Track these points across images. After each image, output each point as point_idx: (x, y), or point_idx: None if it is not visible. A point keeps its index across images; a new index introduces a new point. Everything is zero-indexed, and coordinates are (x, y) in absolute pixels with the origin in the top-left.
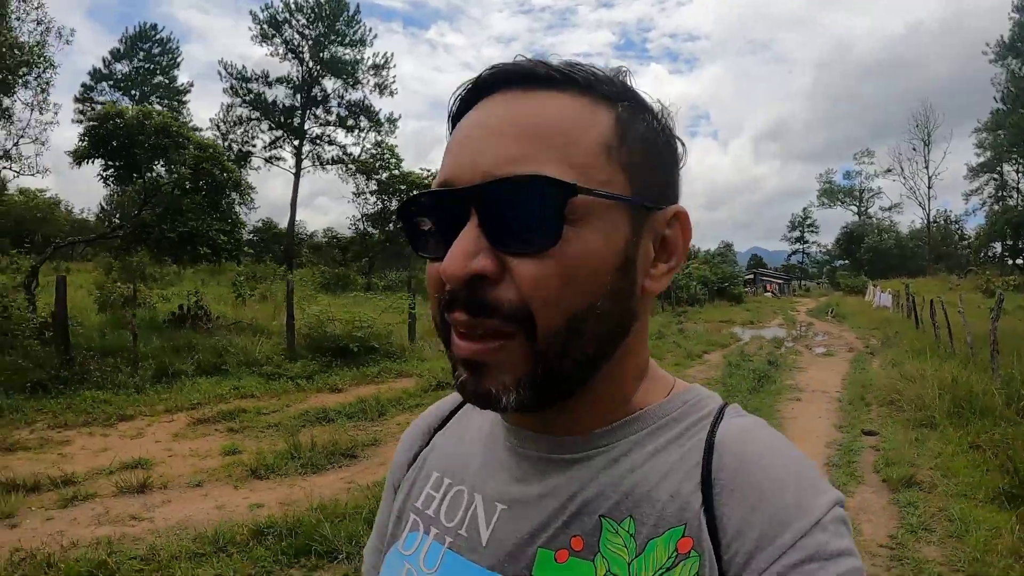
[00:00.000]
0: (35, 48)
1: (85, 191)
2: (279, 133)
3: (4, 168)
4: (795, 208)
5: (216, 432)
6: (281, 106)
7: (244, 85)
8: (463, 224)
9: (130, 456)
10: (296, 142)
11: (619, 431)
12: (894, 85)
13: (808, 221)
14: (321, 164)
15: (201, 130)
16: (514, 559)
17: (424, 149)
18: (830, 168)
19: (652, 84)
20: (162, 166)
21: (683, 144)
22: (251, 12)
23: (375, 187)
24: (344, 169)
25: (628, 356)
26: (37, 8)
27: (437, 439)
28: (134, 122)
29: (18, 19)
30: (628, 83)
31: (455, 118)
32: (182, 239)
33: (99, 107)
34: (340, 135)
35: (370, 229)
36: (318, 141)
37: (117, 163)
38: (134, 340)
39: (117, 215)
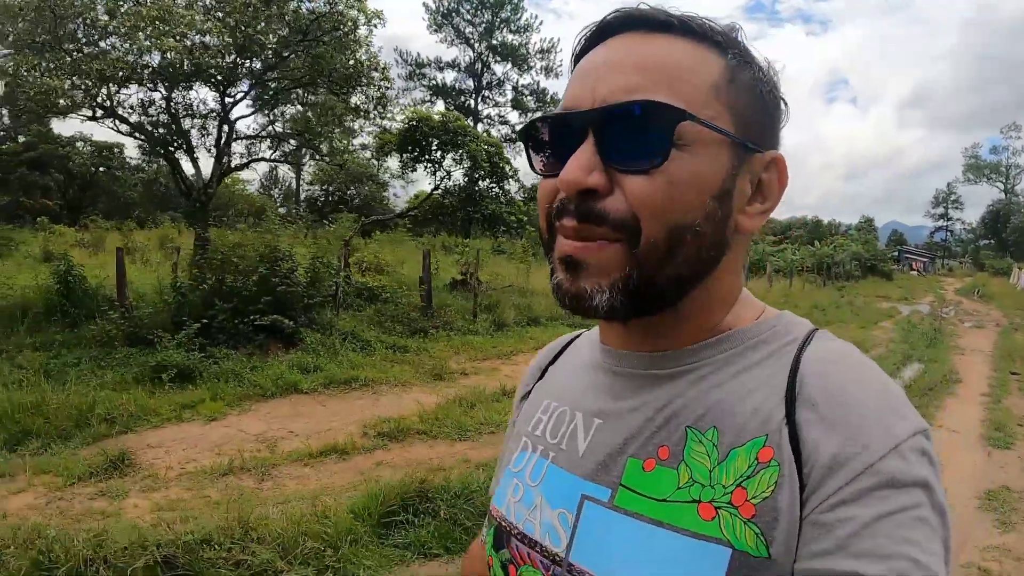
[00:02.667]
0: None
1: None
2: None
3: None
4: (937, 181)
5: None
6: (454, 89)
7: (419, 71)
8: (579, 144)
9: None
10: (470, 122)
11: (708, 350)
12: None
13: (952, 197)
14: None
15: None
16: (606, 468)
17: None
18: (976, 142)
19: (787, 46)
20: (453, 159)
21: (786, 103)
22: (424, 3)
23: None
24: (512, 146)
25: (718, 284)
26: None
27: (548, 373)
28: (438, 124)
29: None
30: (739, 38)
31: (579, 57)
32: (485, 219)
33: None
34: (513, 116)
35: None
36: (490, 121)
37: (420, 155)
38: (475, 299)
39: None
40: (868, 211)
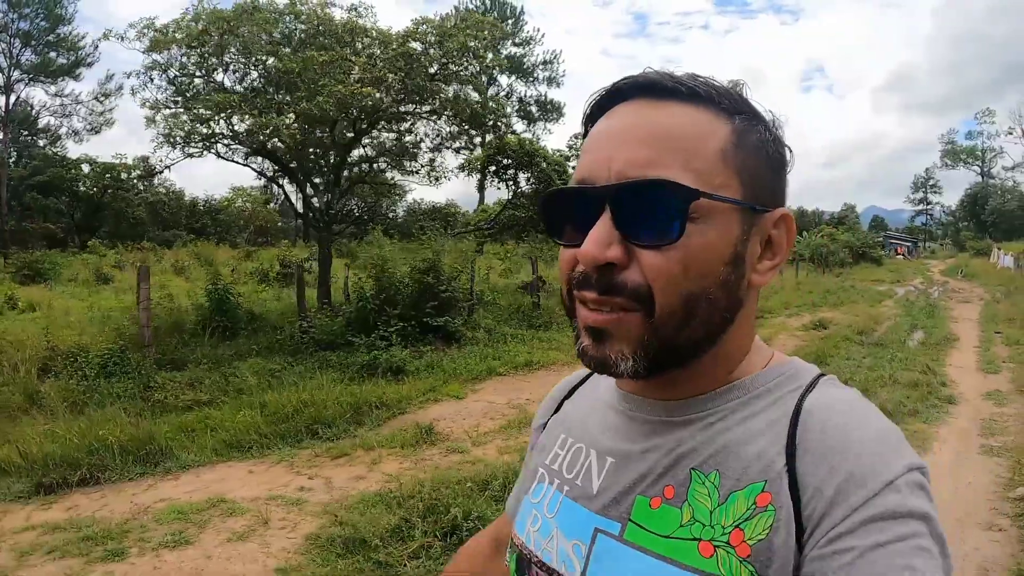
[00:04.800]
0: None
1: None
2: (463, 126)
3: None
4: (916, 164)
5: None
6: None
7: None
8: (597, 217)
9: None
10: (474, 134)
11: (718, 399)
12: None
13: (931, 182)
14: None
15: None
16: (617, 504)
17: None
18: (953, 128)
19: (761, 38)
20: (526, 177)
21: (791, 151)
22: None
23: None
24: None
25: (732, 339)
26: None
27: (565, 406)
28: (516, 148)
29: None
30: (744, 96)
31: (590, 120)
32: None
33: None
34: (519, 126)
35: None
36: (497, 131)
37: (496, 173)
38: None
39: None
40: (847, 197)
